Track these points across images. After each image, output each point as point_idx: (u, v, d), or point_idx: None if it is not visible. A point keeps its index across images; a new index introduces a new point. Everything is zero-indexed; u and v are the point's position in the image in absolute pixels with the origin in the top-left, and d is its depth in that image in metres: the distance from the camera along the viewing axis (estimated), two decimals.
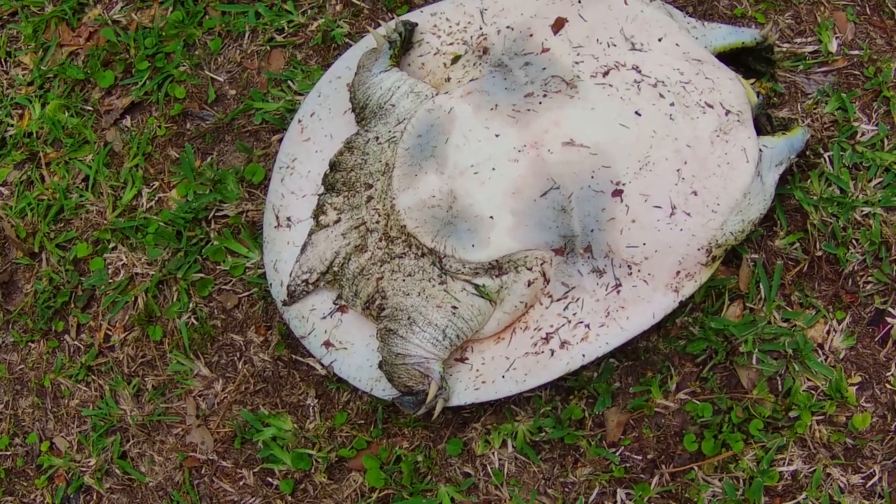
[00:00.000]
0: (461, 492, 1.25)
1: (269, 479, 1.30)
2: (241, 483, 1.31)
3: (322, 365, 1.33)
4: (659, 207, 1.17)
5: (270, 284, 1.35)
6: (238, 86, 1.54)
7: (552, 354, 1.19)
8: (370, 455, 1.27)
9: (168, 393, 1.38)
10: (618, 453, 1.24)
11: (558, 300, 1.21)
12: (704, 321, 1.27)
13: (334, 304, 1.32)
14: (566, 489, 1.24)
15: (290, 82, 1.50)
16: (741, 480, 1.20)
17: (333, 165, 1.32)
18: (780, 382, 1.25)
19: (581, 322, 1.19)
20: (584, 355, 1.18)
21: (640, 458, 1.24)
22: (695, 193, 1.18)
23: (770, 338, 1.26)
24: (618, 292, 1.19)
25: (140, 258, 1.46)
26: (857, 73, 1.42)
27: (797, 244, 1.32)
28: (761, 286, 1.29)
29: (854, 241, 1.31)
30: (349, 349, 1.29)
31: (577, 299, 1.20)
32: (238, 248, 1.42)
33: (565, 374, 1.19)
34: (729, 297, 1.29)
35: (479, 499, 1.25)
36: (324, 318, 1.32)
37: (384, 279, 1.24)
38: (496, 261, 1.18)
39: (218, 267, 1.43)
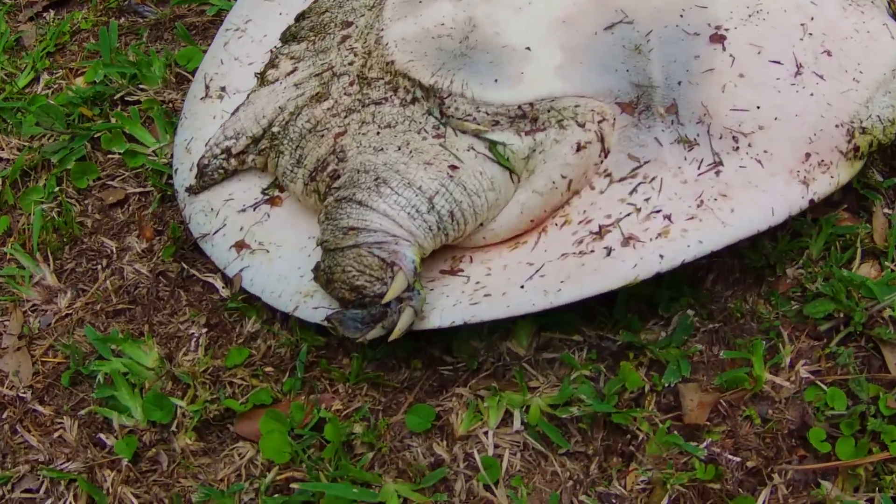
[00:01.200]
0: (422, 490, 0.70)
1: (101, 436, 0.75)
2: (55, 436, 0.76)
3: (224, 280, 0.84)
4: (779, 63, 0.78)
5: (176, 170, 0.91)
6: None
7: (608, 254, 0.72)
8: (274, 413, 0.74)
9: None
10: (703, 447, 0.72)
11: (622, 180, 0.76)
12: (833, 272, 0.82)
13: (263, 193, 0.87)
14: (608, 501, 0.70)
15: None
16: None
17: (301, 15, 0.95)
18: None
19: (658, 211, 0.74)
20: (661, 256, 0.71)
21: (736, 459, 0.72)
22: (828, 54, 0.80)
23: None
24: (717, 173, 0.75)
25: (11, 142, 1.02)
26: None
27: None
28: None
29: None
30: (272, 252, 0.82)
31: (653, 178, 0.76)
32: (142, 136, 0.98)
33: (631, 286, 0.71)
34: (861, 253, 0.85)
35: None
36: (243, 210, 0.86)
37: (347, 134, 0.80)
38: (530, 106, 0.76)
39: (110, 158, 0.98)
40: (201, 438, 0.75)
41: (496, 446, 0.73)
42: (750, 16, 0.81)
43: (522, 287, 0.72)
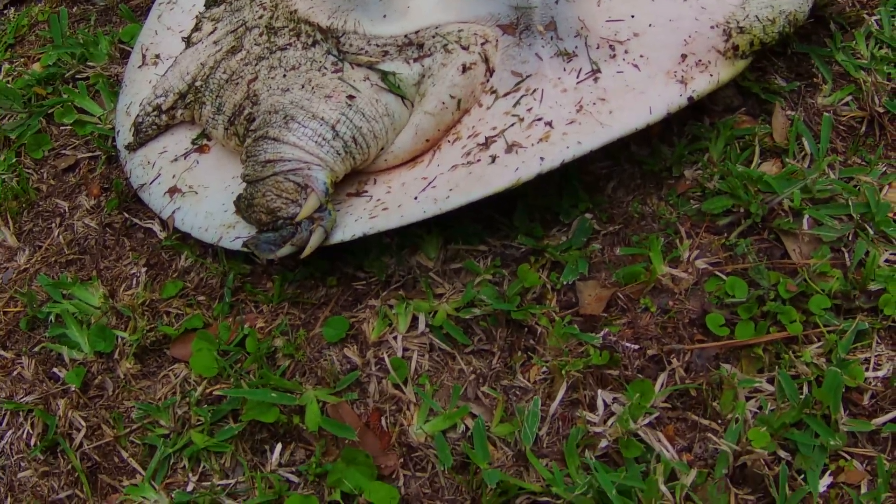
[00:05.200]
0: (338, 393, 0.77)
1: (55, 370, 0.83)
2: (14, 374, 0.84)
3: (161, 224, 0.91)
4: None
5: (118, 132, 0.98)
6: None
7: (493, 161, 0.78)
8: (204, 334, 0.80)
9: None
10: (599, 336, 0.77)
11: (506, 95, 0.81)
12: (729, 170, 0.85)
13: (193, 143, 0.94)
14: (512, 394, 0.75)
15: None
16: (804, 378, 0.72)
17: None
18: (846, 255, 0.81)
19: (539, 119, 0.79)
20: (542, 159, 0.76)
21: (635, 347, 0.76)
22: None
23: (826, 196, 0.84)
24: (595, 80, 0.80)
25: None
26: None
27: (849, 98, 0.93)
28: (805, 141, 0.89)
29: None
30: (200, 193, 0.89)
31: (534, 91, 0.81)
32: (90, 107, 1.06)
33: (514, 188, 0.77)
34: (760, 152, 0.89)
35: (366, 406, 0.76)
36: (175, 160, 0.93)
37: (258, 79, 0.86)
38: (416, 34, 0.82)
39: (62, 130, 1.06)
40: (141, 363, 0.82)
41: (405, 349, 0.79)
42: None
43: (416, 198, 0.78)
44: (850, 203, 0.83)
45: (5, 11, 1.31)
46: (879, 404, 0.71)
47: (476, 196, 0.76)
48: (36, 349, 0.85)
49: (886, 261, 0.79)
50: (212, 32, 0.95)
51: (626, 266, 0.81)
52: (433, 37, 0.82)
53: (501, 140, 0.79)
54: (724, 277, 0.79)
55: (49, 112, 1.07)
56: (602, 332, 0.77)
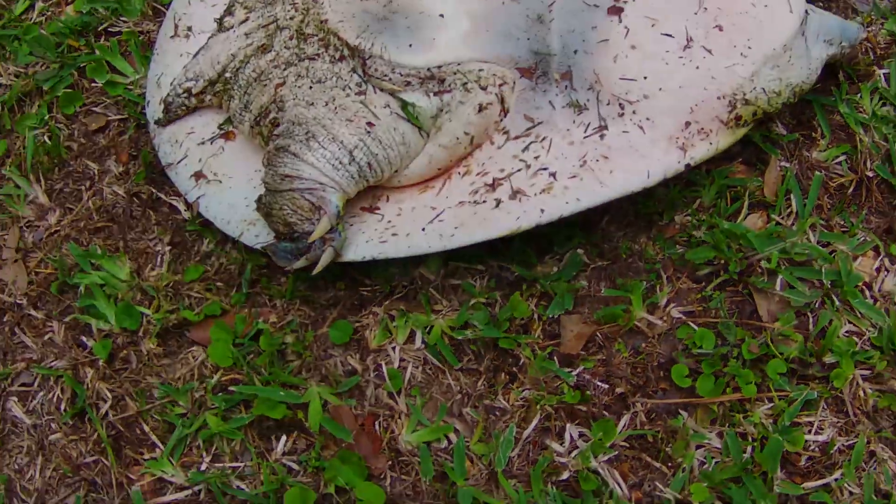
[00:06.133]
0: (339, 394, 0.86)
1: (83, 339, 0.92)
2: (46, 338, 0.93)
3: (186, 204, 0.98)
4: (670, 36, 0.86)
5: (148, 103, 1.02)
6: None
7: (497, 205, 0.84)
8: (221, 324, 0.89)
9: None
10: (574, 373, 0.86)
11: (517, 138, 0.87)
12: (716, 222, 0.92)
13: (220, 128, 0.99)
14: (492, 414, 0.85)
15: None
16: (750, 438, 0.82)
17: None
18: (811, 320, 0.89)
19: (545, 169, 0.85)
20: (542, 210, 0.83)
21: (605, 386, 0.86)
22: (720, 29, 0.86)
23: (802, 259, 0.91)
24: (601, 137, 0.85)
25: (9, 69, 1.14)
26: None
27: (842, 158, 0.99)
28: (793, 198, 0.95)
29: None
30: (224, 183, 0.95)
31: (544, 139, 0.86)
32: (122, 66, 1.10)
33: (513, 235, 0.84)
34: (749, 204, 0.95)
35: (362, 409, 0.86)
36: (202, 143, 0.98)
37: (286, 85, 0.90)
38: (438, 69, 0.86)
39: (94, 85, 1.10)
40: (163, 343, 0.91)
41: (401, 360, 0.88)
42: None
43: (423, 230, 0.85)
44: (823, 270, 0.90)
45: None
46: (815, 467, 0.82)
47: (479, 238, 0.83)
48: (66, 318, 0.93)
49: (847, 332, 0.88)
50: (244, 21, 0.98)
51: (607, 307, 0.89)
52: (454, 73, 0.86)
53: (507, 184, 0.85)
54: (695, 328, 0.88)
55: (81, 65, 1.11)
56: (577, 370, 0.86)
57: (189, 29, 1.05)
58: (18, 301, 0.96)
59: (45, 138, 1.06)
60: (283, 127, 0.88)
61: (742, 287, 0.91)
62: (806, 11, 0.91)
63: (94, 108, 1.09)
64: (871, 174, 0.97)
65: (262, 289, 0.93)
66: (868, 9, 1.12)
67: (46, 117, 1.08)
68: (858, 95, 1.02)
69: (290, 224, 0.85)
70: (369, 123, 0.86)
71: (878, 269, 0.92)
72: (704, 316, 0.89)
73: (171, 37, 1.06)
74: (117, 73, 1.10)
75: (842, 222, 0.95)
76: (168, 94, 0.99)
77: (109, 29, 1.14)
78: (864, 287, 0.91)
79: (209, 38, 1.00)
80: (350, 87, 0.88)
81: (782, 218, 0.94)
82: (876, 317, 0.88)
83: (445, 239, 0.83)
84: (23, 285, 0.97)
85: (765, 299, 0.90)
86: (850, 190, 0.97)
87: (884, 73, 1.04)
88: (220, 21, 1.00)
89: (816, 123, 1.01)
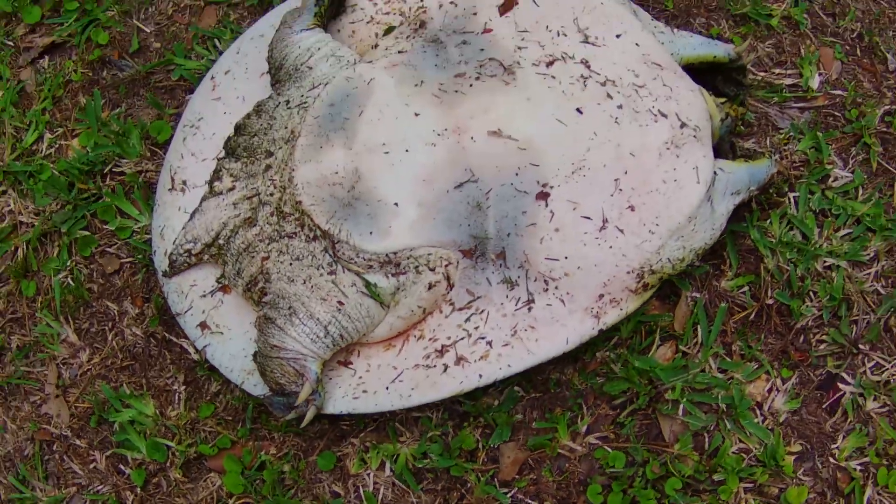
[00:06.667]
0: None
1: (122, 467, 1.14)
2: (91, 466, 1.15)
3: (195, 349, 1.18)
4: (588, 219, 1.02)
5: (154, 252, 1.20)
6: (164, 39, 1.40)
7: (445, 370, 1.03)
8: (232, 457, 1.11)
9: (32, 356, 1.22)
10: (510, 495, 1.07)
11: (460, 309, 1.05)
12: (629, 359, 1.11)
13: (217, 282, 1.17)
14: None
15: (216, 41, 1.36)
16: None
17: (238, 128, 1.17)
18: (707, 440, 1.09)
19: (483, 338, 1.04)
20: (480, 376, 1.02)
21: (535, 503, 1.07)
22: (632, 209, 1.02)
23: (702, 388, 1.10)
24: (529, 309, 1.03)
25: (28, 206, 1.31)
26: (837, 114, 1.27)
27: (746, 288, 1.16)
28: (699, 329, 1.13)
29: (811, 294, 1.15)
30: (225, 334, 1.14)
31: (482, 311, 1.04)
32: (129, 209, 1.27)
33: (457, 396, 1.04)
34: (661, 337, 1.13)
35: None
36: (204, 296, 1.17)
37: (270, 260, 1.08)
38: (394, 254, 1.03)
39: (105, 227, 1.28)
40: (186, 472, 1.13)
41: (375, 484, 1.10)
42: (573, 172, 1.03)
43: (387, 388, 1.05)
44: (720, 396, 1.09)
45: (41, 60, 1.45)
46: None
47: (430, 399, 1.03)
48: (107, 451, 1.15)
49: (737, 450, 1.08)
50: (231, 189, 1.14)
51: (537, 436, 1.09)
52: (408, 258, 1.03)
53: (453, 351, 1.03)
54: (609, 450, 1.08)
55: (92, 210, 1.28)
56: (512, 491, 1.07)
57: (184, 183, 1.22)
58: (64, 433, 1.17)
59: (69, 280, 1.25)
60: (270, 297, 1.07)
61: (651, 411, 1.10)
62: (715, 172, 1.07)
63: (108, 249, 1.27)
64: (770, 301, 1.15)
65: (262, 424, 1.13)
66: (787, 126, 1.27)
67: (68, 262, 1.26)
68: (768, 221, 1.19)
69: (280, 384, 1.05)
70: (339, 302, 1.04)
71: (770, 390, 1.11)
72: (617, 441, 1.09)
73: (170, 189, 1.22)
74: (125, 217, 1.27)
75: (741, 346, 1.13)
76: (171, 252, 1.17)
77: (114, 169, 1.31)
78: (756, 407, 1.10)
79: (202, 199, 1.17)
80: (323, 267, 1.06)
81: (688, 348, 1.13)
82: (762, 435, 1.08)
83: (404, 399, 1.03)
84: (66, 419, 1.18)
85: (669, 423, 1.10)
86: (752, 316, 1.15)
87: (794, 197, 1.20)
88: (210, 183, 1.17)
89: (727, 254, 1.18)
